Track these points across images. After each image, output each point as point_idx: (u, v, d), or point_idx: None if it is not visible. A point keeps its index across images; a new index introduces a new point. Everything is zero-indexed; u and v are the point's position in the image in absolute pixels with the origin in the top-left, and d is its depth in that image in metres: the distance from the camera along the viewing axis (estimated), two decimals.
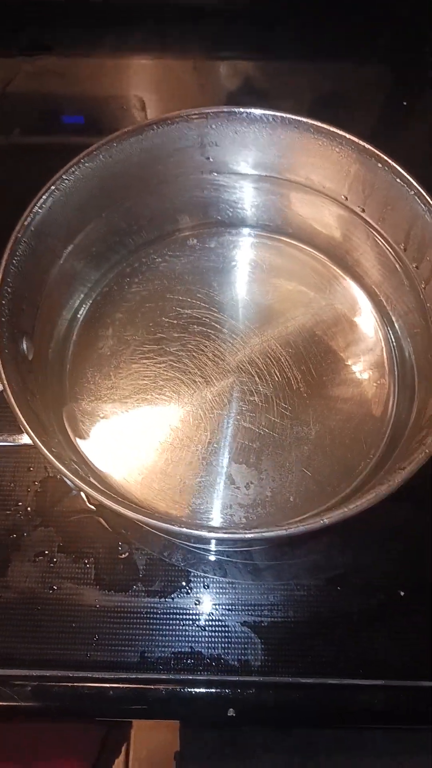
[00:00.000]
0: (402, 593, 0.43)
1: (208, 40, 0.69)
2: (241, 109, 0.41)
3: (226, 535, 0.32)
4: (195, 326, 0.48)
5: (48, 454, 0.33)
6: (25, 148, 0.63)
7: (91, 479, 0.38)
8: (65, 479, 0.34)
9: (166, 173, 0.46)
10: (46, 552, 0.44)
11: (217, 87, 0.67)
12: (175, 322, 0.49)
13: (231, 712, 0.41)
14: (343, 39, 0.68)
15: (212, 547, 0.43)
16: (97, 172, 0.42)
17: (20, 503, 0.45)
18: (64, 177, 0.40)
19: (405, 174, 0.40)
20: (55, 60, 0.67)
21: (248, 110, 0.41)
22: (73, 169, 0.40)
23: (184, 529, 0.32)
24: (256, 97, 0.66)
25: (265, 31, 0.68)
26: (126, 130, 0.41)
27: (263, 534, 0.31)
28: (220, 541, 0.39)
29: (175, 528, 0.32)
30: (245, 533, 0.31)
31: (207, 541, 0.40)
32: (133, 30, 0.67)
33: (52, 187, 0.40)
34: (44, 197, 0.39)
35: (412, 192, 0.40)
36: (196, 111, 0.42)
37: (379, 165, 0.41)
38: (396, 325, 0.47)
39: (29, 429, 0.33)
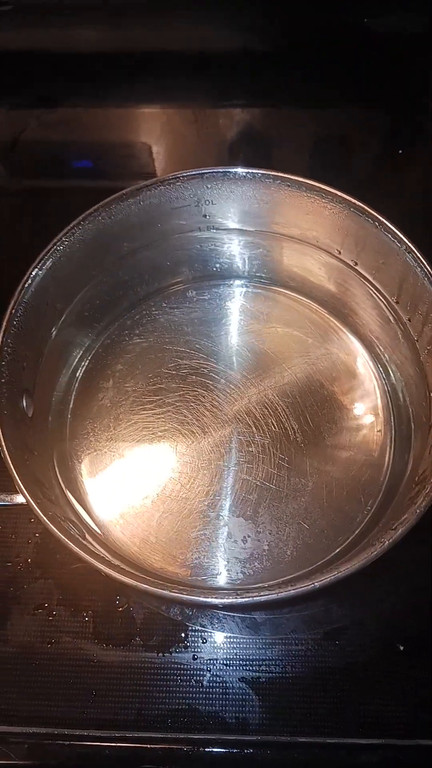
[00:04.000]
0: (401, 647, 0.43)
1: (210, 90, 0.70)
2: (234, 170, 0.42)
3: (215, 601, 0.32)
4: (193, 377, 0.49)
5: (44, 517, 0.33)
6: (36, 192, 0.65)
7: (88, 538, 0.39)
8: (60, 541, 0.34)
9: (166, 230, 0.47)
10: (46, 605, 0.44)
11: (221, 136, 0.69)
12: (174, 372, 0.49)
13: None
14: (343, 87, 0.69)
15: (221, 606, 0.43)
16: (97, 231, 0.43)
17: (20, 555, 0.46)
18: (63, 239, 0.41)
19: (395, 230, 0.41)
20: (62, 112, 0.69)
21: (240, 170, 0.43)
22: (73, 230, 0.42)
23: (171, 594, 0.32)
24: (259, 145, 0.68)
25: (264, 80, 0.70)
26: (123, 192, 0.42)
27: (254, 599, 0.31)
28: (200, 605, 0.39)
29: (161, 592, 0.32)
30: (236, 599, 0.31)
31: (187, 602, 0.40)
32: (136, 82, 0.69)
33: (52, 249, 0.41)
34: (43, 259, 0.40)
35: (403, 247, 0.40)
36: (191, 172, 0.43)
37: (370, 221, 0.41)
38: (392, 375, 0.48)
39: (25, 491, 0.34)
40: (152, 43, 0.69)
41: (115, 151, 0.67)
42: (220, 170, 0.43)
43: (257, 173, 0.42)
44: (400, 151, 0.63)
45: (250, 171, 0.43)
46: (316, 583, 0.32)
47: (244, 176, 0.43)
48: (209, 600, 0.33)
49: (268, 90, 0.69)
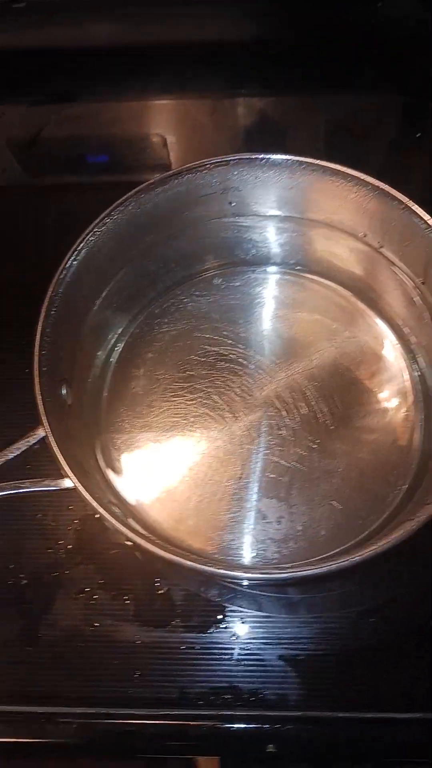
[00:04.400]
0: None
1: (224, 80, 0.71)
2: (260, 156, 0.43)
3: (259, 575, 0.33)
4: (222, 363, 0.50)
5: (92, 500, 0.34)
6: (58, 188, 0.66)
7: (130, 520, 0.40)
8: (106, 522, 0.35)
9: (192, 219, 0.48)
10: (87, 589, 0.45)
11: (235, 125, 0.69)
12: (203, 359, 0.50)
13: (271, 748, 0.41)
14: (357, 70, 0.69)
15: (246, 582, 0.44)
16: (127, 222, 0.44)
17: (61, 541, 0.47)
18: (95, 229, 0.42)
19: (420, 212, 0.41)
20: (80, 107, 0.70)
21: (267, 156, 0.43)
22: (105, 220, 0.42)
23: (221, 571, 0.33)
24: (273, 133, 0.68)
25: (279, 67, 0.70)
26: (152, 182, 0.43)
27: (295, 574, 0.32)
28: (253, 580, 0.40)
29: (212, 570, 0.33)
30: (278, 574, 0.32)
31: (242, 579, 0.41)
32: (152, 74, 0.70)
33: (85, 239, 0.42)
34: (77, 249, 0.41)
35: (428, 229, 0.41)
36: (218, 159, 0.43)
37: (395, 203, 0.42)
38: (419, 356, 0.48)
39: (73, 476, 0.35)
40: (166, 34, 0.70)
41: (134, 144, 0.67)
42: (246, 156, 0.43)
43: (283, 159, 0.43)
44: (419, 135, 0.63)
45: (276, 156, 0.43)
46: (355, 557, 0.33)
47: (269, 162, 0.43)
48: (259, 576, 0.33)
49: (283, 77, 0.70)
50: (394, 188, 0.43)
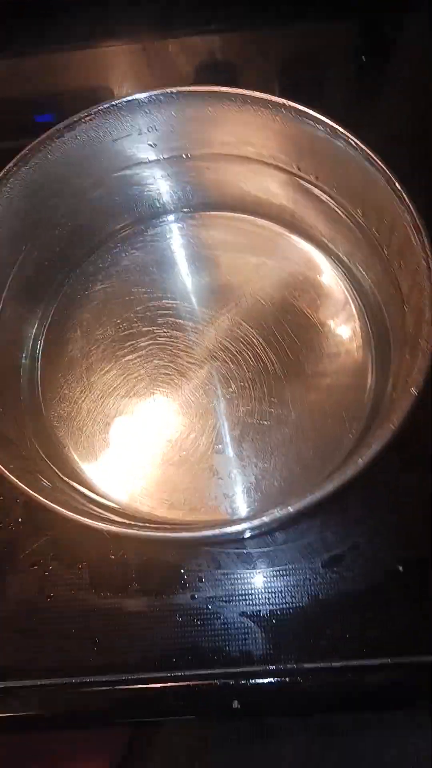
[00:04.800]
0: (400, 568, 0.42)
1: (158, 20, 0.66)
2: (171, 90, 0.40)
3: (188, 535, 0.32)
4: (164, 318, 0.47)
5: (5, 470, 0.33)
6: None
7: (66, 490, 0.38)
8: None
9: (111, 167, 0.44)
10: (41, 561, 0.44)
11: (173, 66, 0.65)
12: (142, 315, 0.48)
13: (236, 704, 0.41)
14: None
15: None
16: (38, 174, 0.41)
17: (10, 515, 0.46)
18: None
19: (352, 137, 0.37)
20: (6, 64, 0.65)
21: (178, 89, 0.40)
22: (8, 174, 0.39)
23: (160, 534, 0.31)
24: (220, 74, 0.64)
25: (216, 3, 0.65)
26: (57, 128, 0.40)
27: (221, 530, 0.31)
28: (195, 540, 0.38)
29: (150, 534, 0.31)
30: (202, 532, 0.30)
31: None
32: (77, 22, 0.65)
33: None
34: None
35: (362, 155, 0.37)
36: (128, 98, 0.40)
37: (320, 128, 0.38)
38: (368, 291, 0.45)
39: None
40: None
41: (67, 98, 0.63)
42: (158, 92, 0.40)
43: (196, 90, 0.39)
44: (364, 58, 0.58)
45: (189, 89, 0.40)
46: (290, 508, 0.31)
47: (183, 95, 0.40)
48: (184, 535, 0.32)
49: (224, 13, 0.65)
50: (352, 121, 0.39)
